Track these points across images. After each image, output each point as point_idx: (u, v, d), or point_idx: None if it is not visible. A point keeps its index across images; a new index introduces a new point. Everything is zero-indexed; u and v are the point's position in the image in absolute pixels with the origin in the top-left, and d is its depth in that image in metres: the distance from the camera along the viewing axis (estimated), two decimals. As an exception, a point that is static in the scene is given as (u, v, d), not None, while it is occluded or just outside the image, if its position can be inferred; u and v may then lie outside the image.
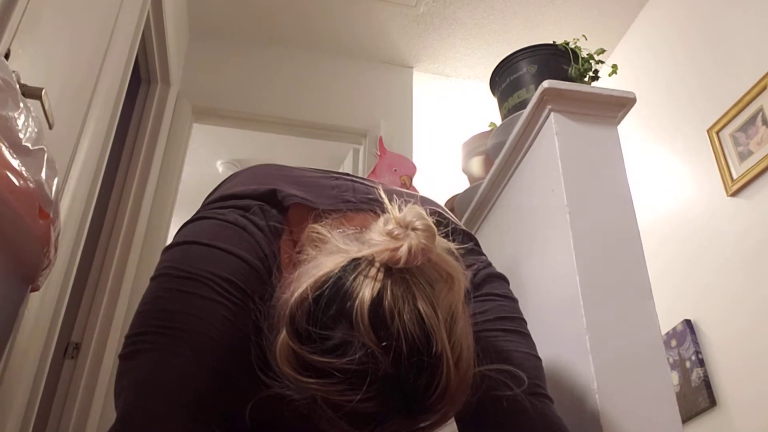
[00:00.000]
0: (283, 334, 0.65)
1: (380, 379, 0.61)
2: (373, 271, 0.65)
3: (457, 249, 0.73)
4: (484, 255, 0.96)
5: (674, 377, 2.28)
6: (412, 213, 0.69)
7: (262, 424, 0.79)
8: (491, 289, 0.88)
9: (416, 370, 0.62)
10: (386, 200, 0.73)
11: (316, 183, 0.94)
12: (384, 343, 0.61)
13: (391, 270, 0.65)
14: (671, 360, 2.31)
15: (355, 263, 0.66)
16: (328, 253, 0.70)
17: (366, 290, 0.63)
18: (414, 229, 0.67)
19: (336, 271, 0.66)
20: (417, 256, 0.65)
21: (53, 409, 1.93)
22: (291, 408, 0.65)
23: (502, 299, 0.88)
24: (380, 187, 0.98)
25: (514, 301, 0.91)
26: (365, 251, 0.67)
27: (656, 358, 1.03)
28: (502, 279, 0.92)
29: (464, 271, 0.71)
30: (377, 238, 0.68)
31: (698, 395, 2.15)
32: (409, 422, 0.64)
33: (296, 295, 0.66)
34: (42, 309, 1.42)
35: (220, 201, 0.86)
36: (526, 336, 0.87)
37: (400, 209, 0.70)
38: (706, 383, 2.14)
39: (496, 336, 0.83)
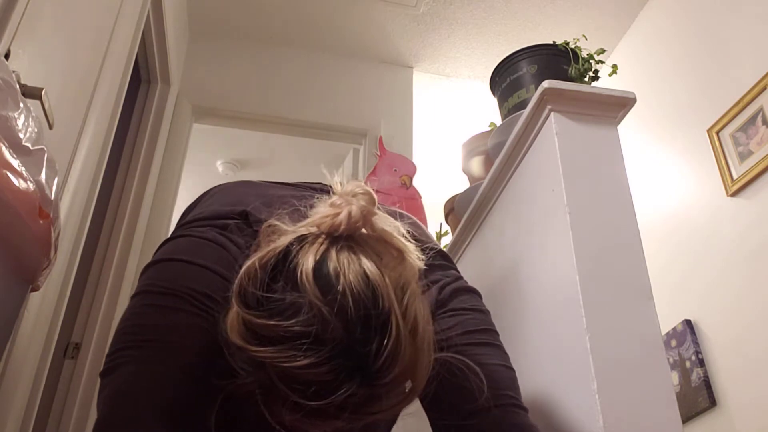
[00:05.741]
0: (234, 306, 0.66)
1: (330, 341, 0.60)
2: (318, 241, 0.66)
3: (424, 265, 0.73)
4: (454, 270, 0.94)
5: (674, 377, 2.28)
6: (353, 184, 0.71)
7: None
8: (458, 303, 0.87)
9: (365, 329, 0.61)
10: (329, 178, 0.75)
11: (288, 203, 0.94)
12: (329, 299, 0.61)
13: (336, 239, 0.66)
14: (671, 360, 2.31)
15: (301, 238, 0.68)
16: (280, 236, 0.71)
17: (309, 256, 0.65)
18: (354, 195, 0.69)
19: (283, 246, 0.67)
20: (358, 219, 0.67)
21: (53, 409, 1.93)
22: (258, 412, 0.64)
23: (469, 312, 0.86)
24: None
25: (485, 313, 0.89)
26: (311, 228, 0.69)
27: (656, 358, 1.03)
28: (472, 292, 0.91)
29: (419, 254, 0.71)
30: (321, 211, 0.70)
31: (698, 395, 2.15)
32: (366, 394, 0.61)
33: (245, 267, 0.67)
34: (42, 309, 1.42)
35: (197, 221, 0.86)
36: (498, 347, 0.86)
37: (342, 186, 0.73)
38: (706, 383, 2.14)
39: (465, 350, 0.81)
